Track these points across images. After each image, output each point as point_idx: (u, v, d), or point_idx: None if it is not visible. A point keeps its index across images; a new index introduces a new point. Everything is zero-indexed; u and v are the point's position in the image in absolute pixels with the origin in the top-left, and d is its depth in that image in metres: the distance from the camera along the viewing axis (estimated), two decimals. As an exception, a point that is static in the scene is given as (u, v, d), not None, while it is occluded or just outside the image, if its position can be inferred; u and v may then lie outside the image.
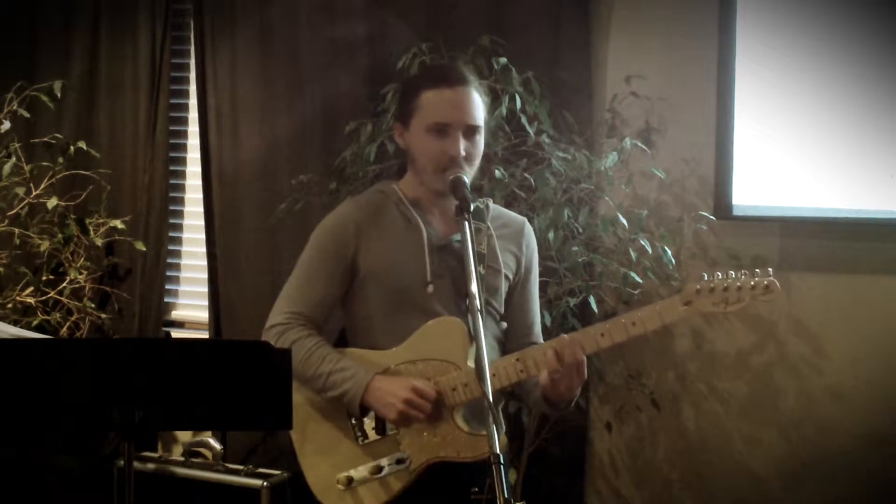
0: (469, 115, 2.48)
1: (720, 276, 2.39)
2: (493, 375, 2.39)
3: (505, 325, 2.63)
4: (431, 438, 2.48)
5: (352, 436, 2.53)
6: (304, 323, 2.54)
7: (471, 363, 2.44)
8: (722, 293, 2.37)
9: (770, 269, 2.38)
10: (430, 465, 2.49)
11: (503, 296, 2.60)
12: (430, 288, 2.50)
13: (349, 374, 2.47)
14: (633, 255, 3.62)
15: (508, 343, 2.61)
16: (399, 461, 2.49)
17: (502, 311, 2.61)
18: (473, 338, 2.25)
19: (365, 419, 2.52)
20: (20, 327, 3.84)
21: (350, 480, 2.51)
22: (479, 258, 2.52)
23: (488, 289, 2.54)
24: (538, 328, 2.69)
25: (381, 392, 2.45)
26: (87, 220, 4.40)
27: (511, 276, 2.62)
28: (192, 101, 4.58)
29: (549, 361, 2.39)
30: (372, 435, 2.52)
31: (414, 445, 2.49)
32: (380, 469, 2.50)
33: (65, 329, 4.34)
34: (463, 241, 2.36)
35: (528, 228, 2.68)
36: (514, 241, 2.64)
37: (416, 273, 2.51)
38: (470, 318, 2.26)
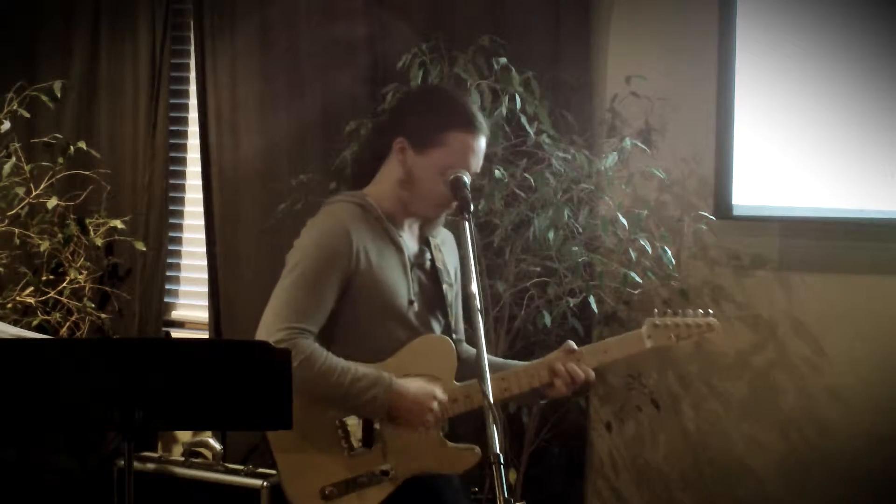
0: (479, 165, 2.58)
1: (672, 314, 2.68)
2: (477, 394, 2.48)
3: (455, 336, 2.69)
4: (417, 452, 2.52)
5: (338, 447, 2.52)
6: (307, 337, 2.48)
7: (456, 382, 2.55)
8: (675, 329, 2.67)
9: (711, 311, 2.70)
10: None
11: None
12: (416, 306, 2.57)
13: (373, 380, 2.46)
14: (633, 255, 3.62)
15: None
16: (384, 472, 2.51)
17: (453, 323, 2.69)
18: (474, 335, 2.28)
19: (350, 430, 2.52)
20: (20, 327, 3.83)
21: (333, 491, 2.50)
22: (441, 275, 2.64)
23: (450, 305, 2.65)
24: (462, 328, 2.80)
25: (410, 397, 2.49)
26: (87, 220, 4.40)
27: (454, 286, 2.72)
28: (192, 101, 4.58)
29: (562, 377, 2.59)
30: (358, 446, 2.52)
31: (399, 458, 2.52)
32: (364, 480, 2.51)
33: (65, 329, 4.34)
34: (463, 242, 2.39)
35: (453, 238, 2.79)
36: (453, 253, 2.75)
37: (402, 291, 2.56)
38: (472, 319, 2.31)
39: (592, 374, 2.59)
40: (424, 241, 2.66)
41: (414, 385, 2.49)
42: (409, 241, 2.62)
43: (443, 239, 2.74)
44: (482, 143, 2.56)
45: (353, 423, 2.52)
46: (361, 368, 2.48)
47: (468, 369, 2.61)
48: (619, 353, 2.62)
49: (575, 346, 2.60)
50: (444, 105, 2.58)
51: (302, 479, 2.52)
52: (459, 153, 2.51)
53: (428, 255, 2.64)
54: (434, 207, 2.57)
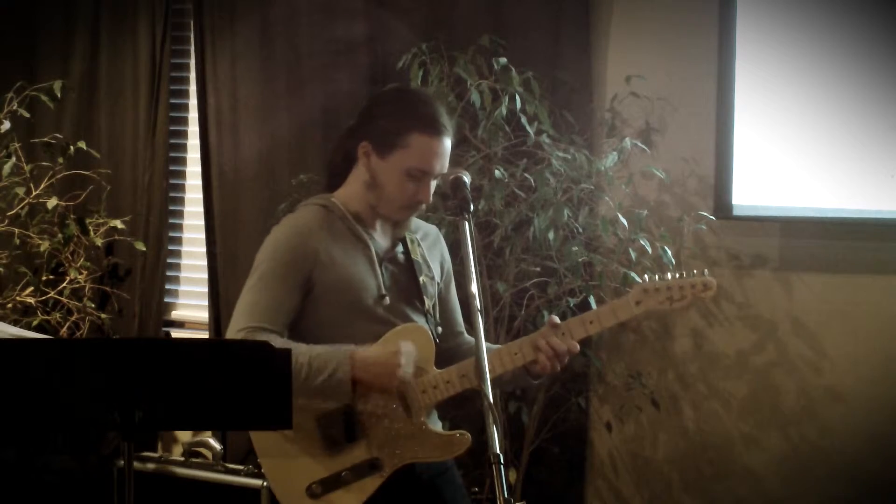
0: (444, 166, 2.56)
1: (663, 277, 2.58)
2: (462, 376, 2.53)
3: (441, 329, 2.70)
4: (403, 442, 2.52)
5: (319, 445, 2.52)
6: (266, 333, 2.50)
7: (436, 369, 2.56)
8: (667, 292, 2.56)
9: (706, 270, 2.58)
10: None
11: (437, 302, 2.70)
12: (387, 300, 2.57)
13: (330, 356, 2.46)
14: (633, 255, 3.62)
15: (444, 342, 2.68)
16: (372, 465, 2.51)
17: (438, 317, 2.69)
18: (474, 335, 2.30)
19: (330, 426, 2.51)
20: (20, 327, 3.84)
21: (319, 488, 2.51)
22: (419, 268, 2.64)
23: (429, 297, 2.65)
24: (462, 321, 2.81)
25: (371, 360, 2.47)
26: (87, 220, 4.39)
27: (439, 282, 2.72)
28: (192, 101, 4.58)
29: (545, 350, 2.55)
30: (342, 441, 2.52)
31: (385, 449, 2.52)
32: (349, 475, 2.51)
33: (65, 329, 4.34)
34: (463, 242, 2.39)
35: (440, 234, 2.81)
36: (437, 248, 2.76)
37: (371, 286, 2.56)
38: (472, 319, 2.31)
39: (576, 346, 2.56)
40: (400, 238, 2.66)
41: (374, 349, 2.49)
42: (380, 238, 2.63)
43: (424, 234, 2.74)
44: (446, 144, 2.54)
45: (334, 420, 2.52)
46: (318, 349, 2.48)
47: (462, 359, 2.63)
48: (607, 322, 2.57)
49: (558, 321, 2.57)
50: (405, 108, 2.58)
51: (288, 481, 2.53)
52: (421, 155, 2.51)
53: (400, 249, 2.65)
54: (400, 210, 2.58)
